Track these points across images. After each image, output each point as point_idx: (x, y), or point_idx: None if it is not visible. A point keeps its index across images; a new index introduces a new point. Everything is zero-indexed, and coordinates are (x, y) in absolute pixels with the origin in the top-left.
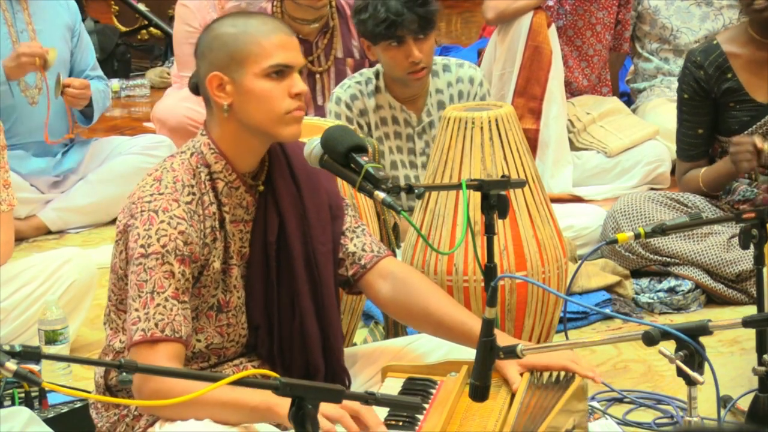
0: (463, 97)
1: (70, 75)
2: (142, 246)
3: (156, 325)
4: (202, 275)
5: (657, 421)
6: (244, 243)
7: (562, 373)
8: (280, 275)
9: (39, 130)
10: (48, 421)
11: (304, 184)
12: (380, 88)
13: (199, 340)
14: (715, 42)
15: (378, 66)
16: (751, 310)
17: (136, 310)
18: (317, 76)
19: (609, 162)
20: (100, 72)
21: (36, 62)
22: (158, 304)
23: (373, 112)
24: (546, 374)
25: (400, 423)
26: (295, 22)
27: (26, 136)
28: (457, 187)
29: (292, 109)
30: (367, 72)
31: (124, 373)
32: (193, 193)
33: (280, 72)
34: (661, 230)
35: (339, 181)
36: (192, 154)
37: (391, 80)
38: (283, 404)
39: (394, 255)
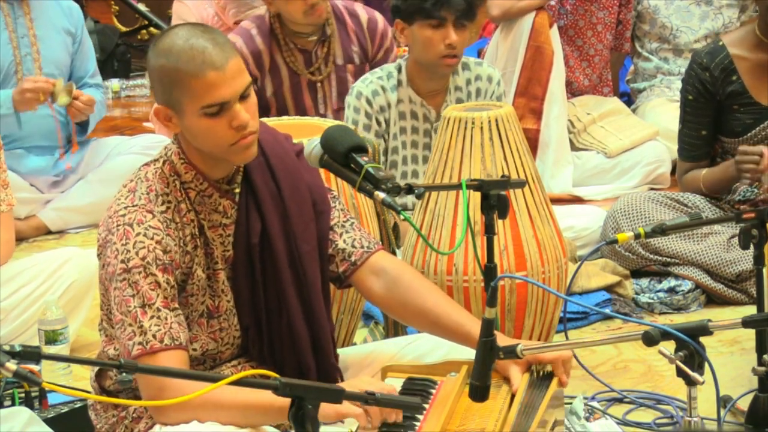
0: (481, 95)
1: (68, 81)
2: (122, 261)
3: (154, 336)
4: (186, 284)
5: (657, 421)
6: (226, 246)
7: (549, 368)
8: (265, 276)
9: (39, 135)
10: (48, 421)
11: (284, 181)
12: (402, 82)
13: (194, 349)
14: (720, 43)
15: (400, 60)
16: (751, 310)
17: (130, 325)
18: (318, 85)
19: (609, 162)
20: (99, 79)
21: (41, 98)
22: (152, 316)
23: (394, 107)
24: (542, 372)
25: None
26: (293, 33)
27: (26, 141)
28: (457, 187)
29: (236, 141)
30: (389, 67)
31: (124, 374)
32: (169, 202)
33: (216, 111)
34: (661, 230)
35: (339, 181)
36: (164, 162)
37: (415, 72)
38: None
39: (394, 253)
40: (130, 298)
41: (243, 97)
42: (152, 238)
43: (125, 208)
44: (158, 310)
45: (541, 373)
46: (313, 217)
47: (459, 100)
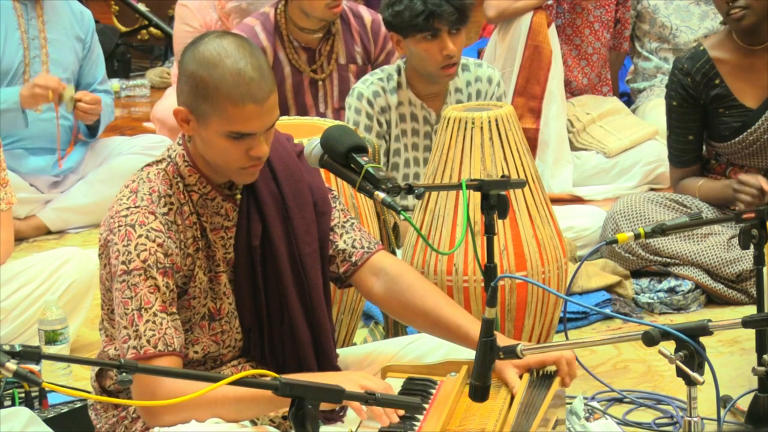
0: (481, 96)
1: (77, 87)
2: (123, 263)
3: (148, 341)
4: (188, 287)
5: (657, 421)
6: (228, 249)
7: (551, 369)
8: (266, 278)
9: (41, 137)
10: (48, 421)
11: (285, 183)
12: (402, 84)
13: (196, 352)
14: (701, 48)
15: (399, 62)
16: (751, 310)
17: (125, 327)
18: (320, 83)
19: (608, 162)
20: (108, 86)
21: (49, 95)
22: (147, 320)
23: (395, 109)
24: (543, 372)
25: (400, 423)
26: (299, 30)
27: (28, 142)
28: (457, 187)
29: (247, 167)
30: (389, 68)
31: (124, 374)
32: (171, 203)
33: (240, 137)
34: (661, 231)
35: (339, 180)
36: (168, 164)
37: (414, 76)
38: None
39: (394, 253)
40: (128, 300)
41: (268, 129)
42: (154, 241)
43: (127, 209)
44: (155, 314)
45: (542, 372)
46: (314, 218)
47: (459, 102)
